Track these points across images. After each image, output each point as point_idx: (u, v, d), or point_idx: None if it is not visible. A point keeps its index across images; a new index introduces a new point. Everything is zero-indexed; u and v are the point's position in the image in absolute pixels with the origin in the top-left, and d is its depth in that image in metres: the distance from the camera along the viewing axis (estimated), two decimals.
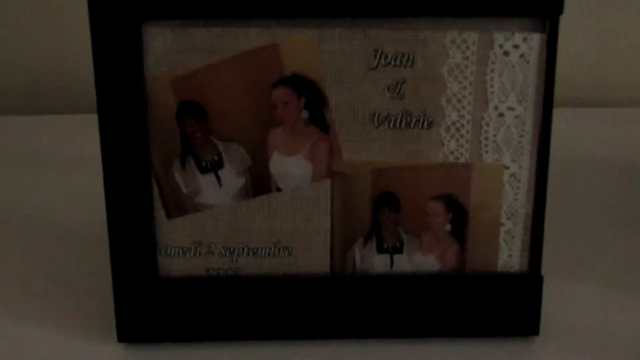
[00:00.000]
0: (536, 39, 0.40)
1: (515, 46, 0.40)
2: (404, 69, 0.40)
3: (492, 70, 0.41)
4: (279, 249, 0.42)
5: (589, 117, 0.80)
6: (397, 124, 0.41)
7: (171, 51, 0.40)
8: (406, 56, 0.40)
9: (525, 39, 0.40)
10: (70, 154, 0.71)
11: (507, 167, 0.42)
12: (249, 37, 0.40)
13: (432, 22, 0.40)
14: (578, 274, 0.50)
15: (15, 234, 0.57)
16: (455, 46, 0.40)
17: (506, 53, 0.40)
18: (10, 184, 0.65)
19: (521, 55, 0.40)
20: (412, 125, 0.41)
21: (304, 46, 0.40)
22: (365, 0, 0.39)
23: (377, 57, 0.40)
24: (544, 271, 0.42)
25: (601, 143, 0.72)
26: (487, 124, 0.41)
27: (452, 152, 0.42)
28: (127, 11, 0.38)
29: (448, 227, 0.42)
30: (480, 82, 0.41)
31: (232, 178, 0.42)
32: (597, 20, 0.84)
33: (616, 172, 0.66)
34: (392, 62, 0.40)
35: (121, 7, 0.38)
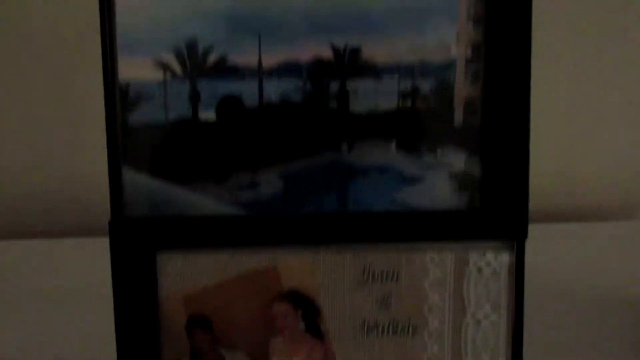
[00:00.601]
0: (506, 257, 0.45)
1: (488, 263, 0.45)
2: (390, 283, 0.45)
3: (468, 284, 0.45)
4: None
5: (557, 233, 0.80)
6: (385, 332, 0.46)
7: (182, 274, 0.45)
8: (391, 273, 0.45)
9: (496, 258, 0.45)
10: (75, 284, 0.69)
11: None
12: (251, 260, 0.45)
13: (413, 245, 0.45)
14: None
15: None
16: (434, 264, 0.45)
17: (480, 269, 0.45)
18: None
19: (493, 271, 0.45)
20: (399, 333, 0.46)
21: (301, 266, 0.45)
22: (354, 228, 0.44)
23: (366, 274, 0.45)
24: None
25: (573, 267, 0.72)
26: (465, 330, 0.46)
27: (435, 356, 0.46)
28: (143, 242, 0.44)
29: None
30: (458, 294, 0.46)
31: None
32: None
33: (593, 308, 0.65)
34: (379, 278, 0.45)
35: (138, 239, 0.43)
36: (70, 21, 0.79)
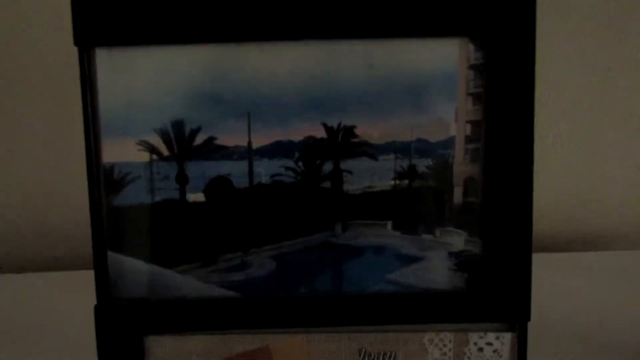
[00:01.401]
0: (507, 337, 0.43)
1: (489, 343, 0.44)
2: None
3: None
4: None
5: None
6: None
7: (170, 355, 0.43)
8: (388, 354, 0.43)
9: (497, 337, 0.43)
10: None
11: None
12: (242, 341, 0.43)
13: (411, 325, 0.43)
14: None
15: None
16: (433, 345, 0.44)
17: (480, 349, 0.44)
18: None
19: (494, 351, 0.44)
20: None
21: (294, 347, 0.43)
22: (349, 310, 0.42)
23: (362, 356, 0.43)
24: None
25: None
26: None
27: None
28: (130, 326, 0.42)
29: None
30: None
31: None
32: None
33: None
34: (376, 359, 0.44)
35: (125, 323, 0.42)
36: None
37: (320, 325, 0.42)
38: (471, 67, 0.40)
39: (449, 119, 0.41)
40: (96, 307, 0.42)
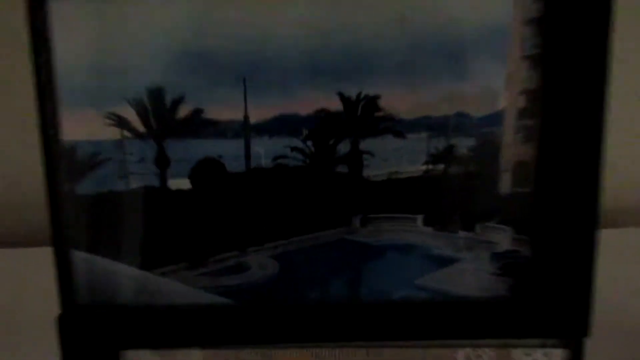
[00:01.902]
0: (557, 354, 0.36)
1: None
2: None
3: None
4: None
5: None
6: None
7: None
8: None
9: (546, 354, 0.36)
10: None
11: None
12: (238, 358, 0.36)
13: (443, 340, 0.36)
14: None
15: None
16: None
17: None
18: None
19: None
20: None
21: None
22: (369, 321, 0.35)
23: None
24: None
25: None
26: None
27: None
28: (102, 339, 0.35)
29: None
30: None
31: None
32: None
33: None
34: None
35: (95, 335, 0.35)
36: None
37: (333, 339, 0.35)
38: (527, 21, 0.32)
39: (498, 87, 0.32)
40: (60, 317, 0.34)
